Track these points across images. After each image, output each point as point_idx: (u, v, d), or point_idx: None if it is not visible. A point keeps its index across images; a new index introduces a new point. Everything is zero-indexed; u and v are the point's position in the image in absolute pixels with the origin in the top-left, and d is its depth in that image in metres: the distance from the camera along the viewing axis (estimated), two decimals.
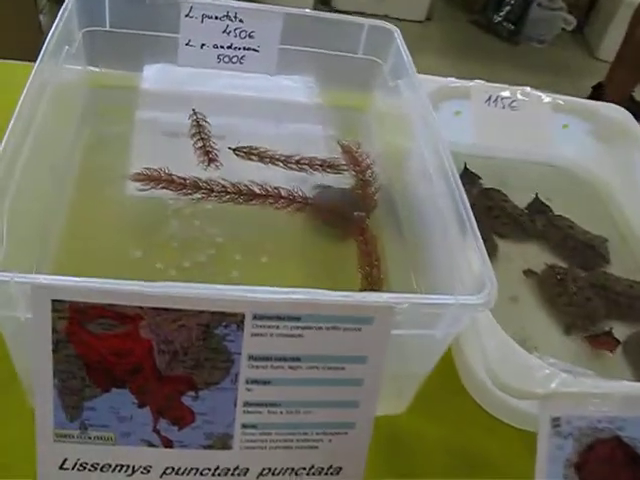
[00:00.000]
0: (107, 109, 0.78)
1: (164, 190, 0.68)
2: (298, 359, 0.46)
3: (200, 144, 0.74)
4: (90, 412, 0.45)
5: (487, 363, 0.55)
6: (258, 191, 0.69)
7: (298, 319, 0.45)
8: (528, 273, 0.75)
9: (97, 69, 0.78)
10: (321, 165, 0.73)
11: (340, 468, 0.50)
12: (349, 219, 0.70)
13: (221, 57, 0.75)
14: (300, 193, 0.70)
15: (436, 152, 0.66)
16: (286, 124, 0.83)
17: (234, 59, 0.76)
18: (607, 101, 2.41)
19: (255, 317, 0.44)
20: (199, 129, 0.75)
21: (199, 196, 0.68)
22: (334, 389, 0.48)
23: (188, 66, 0.76)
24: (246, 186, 0.69)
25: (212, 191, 0.68)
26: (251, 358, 0.46)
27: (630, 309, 0.73)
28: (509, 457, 0.60)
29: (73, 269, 0.62)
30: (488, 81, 0.84)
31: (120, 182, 0.70)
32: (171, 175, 0.68)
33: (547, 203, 0.83)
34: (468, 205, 0.58)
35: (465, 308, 0.48)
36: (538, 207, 0.83)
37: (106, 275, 0.63)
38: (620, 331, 0.71)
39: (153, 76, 0.83)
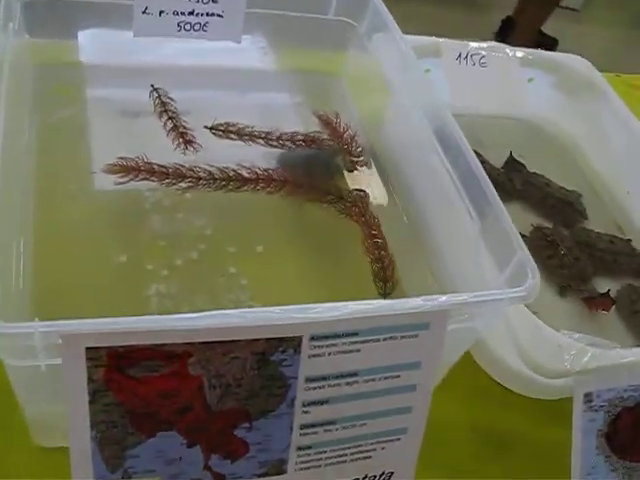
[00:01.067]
0: (56, 89, 0.69)
1: (142, 181, 0.61)
2: (355, 374, 0.43)
3: (171, 124, 0.66)
4: (134, 460, 0.40)
5: (518, 345, 0.54)
6: (248, 175, 0.63)
7: (356, 334, 0.42)
8: None
9: (39, 40, 0.68)
10: (304, 140, 0.68)
11: (392, 473, 0.48)
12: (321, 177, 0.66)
13: (182, 25, 0.68)
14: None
15: (435, 115, 0.63)
16: (251, 93, 0.77)
17: (196, 26, 0.68)
18: (516, 35, 2.45)
19: (313, 338, 0.40)
20: (164, 107, 0.68)
21: (184, 186, 0.62)
22: (389, 398, 0.45)
23: (145, 36, 0.67)
24: (234, 171, 0.63)
25: (199, 179, 0.62)
26: (308, 380, 0.42)
27: (615, 264, 0.74)
28: (536, 430, 0.60)
29: (53, 288, 0.55)
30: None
31: (86, 176, 0.62)
32: (151, 164, 0.61)
33: (521, 161, 0.82)
34: (487, 180, 0.56)
35: (512, 301, 0.46)
36: (514, 166, 0.82)
37: (94, 285, 0.57)
38: (607, 287, 0.72)
39: (92, 45, 0.74)
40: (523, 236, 0.72)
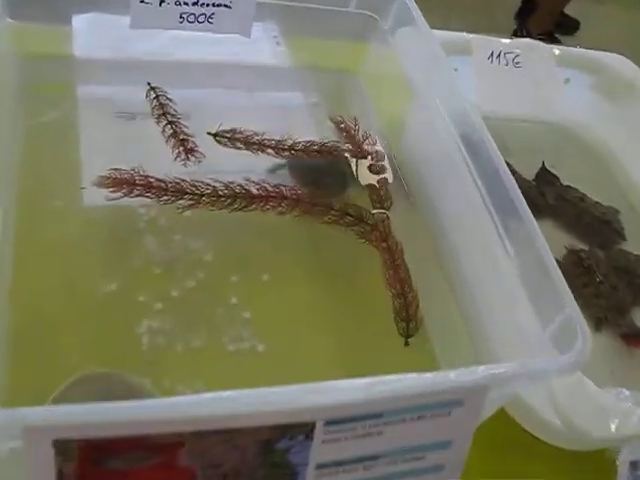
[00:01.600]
0: (42, 85, 0.61)
1: (138, 197, 0.54)
2: (375, 458, 0.37)
3: (170, 130, 0.59)
4: None
5: (555, 402, 0.47)
6: (256, 192, 0.56)
7: (380, 416, 0.35)
8: None
9: (24, 24, 0.61)
10: (319, 151, 0.61)
11: None
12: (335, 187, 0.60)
13: (185, 16, 0.60)
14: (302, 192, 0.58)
15: (463, 120, 0.56)
16: (261, 92, 0.69)
17: (201, 18, 0.60)
18: (537, 16, 2.35)
19: (328, 423, 0.34)
20: (162, 109, 0.61)
21: (185, 204, 0.55)
22: None
23: (143, 28, 0.60)
24: (241, 187, 0.56)
25: (201, 196, 0.55)
26: (320, 467, 0.36)
27: None
28: None
29: (32, 320, 0.49)
30: None
31: (74, 190, 0.55)
32: (147, 177, 0.54)
33: (553, 171, 0.75)
34: (526, 208, 0.49)
35: (561, 371, 0.40)
36: (546, 178, 0.75)
37: (78, 320, 0.50)
38: None
39: (85, 33, 0.66)
40: (556, 261, 0.67)
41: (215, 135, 0.60)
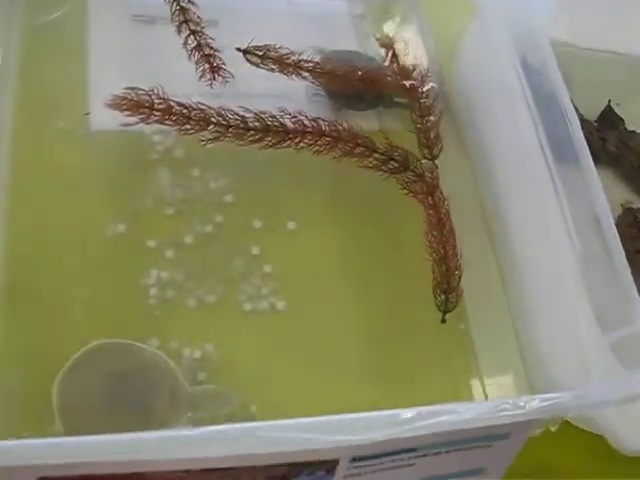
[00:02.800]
0: None
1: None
2: None
3: (193, 42, 0.51)
4: None
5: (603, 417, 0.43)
6: (292, 126, 0.48)
7: (413, 450, 0.31)
8: None
9: None
10: (362, 79, 0.53)
11: None
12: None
13: None
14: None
15: (528, 46, 0.49)
16: None
17: None
18: None
19: (354, 459, 0.30)
20: (184, 15, 0.52)
21: (209, 136, 0.48)
22: None
23: None
24: (274, 118, 0.48)
25: (228, 127, 0.48)
26: None
27: None
28: None
29: (28, 259, 0.44)
30: None
31: (79, 108, 0.49)
32: (168, 101, 0.47)
33: (619, 112, 0.67)
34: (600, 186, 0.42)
35: (625, 400, 0.35)
36: (610, 119, 0.66)
37: (78, 265, 0.45)
38: None
39: None
40: None
41: (245, 52, 0.51)
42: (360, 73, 0.53)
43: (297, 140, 0.49)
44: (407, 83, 0.53)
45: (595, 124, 0.66)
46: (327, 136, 0.49)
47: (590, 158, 0.46)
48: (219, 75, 0.51)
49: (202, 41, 0.51)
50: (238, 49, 0.52)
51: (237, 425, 0.28)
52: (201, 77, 0.50)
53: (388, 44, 0.56)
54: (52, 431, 0.37)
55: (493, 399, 0.32)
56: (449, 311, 0.46)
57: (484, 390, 0.45)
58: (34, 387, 0.39)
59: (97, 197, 0.47)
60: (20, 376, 0.39)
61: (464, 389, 0.45)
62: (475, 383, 0.46)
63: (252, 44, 0.52)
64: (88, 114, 0.48)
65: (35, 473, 0.26)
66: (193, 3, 0.53)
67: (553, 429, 0.35)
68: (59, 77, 0.49)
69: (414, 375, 0.46)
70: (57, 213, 0.45)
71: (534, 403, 0.31)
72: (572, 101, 0.65)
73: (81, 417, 0.39)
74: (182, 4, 0.52)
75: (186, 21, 0.52)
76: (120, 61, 0.51)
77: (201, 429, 0.27)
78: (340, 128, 0.50)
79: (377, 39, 0.56)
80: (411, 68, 0.54)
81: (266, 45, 0.52)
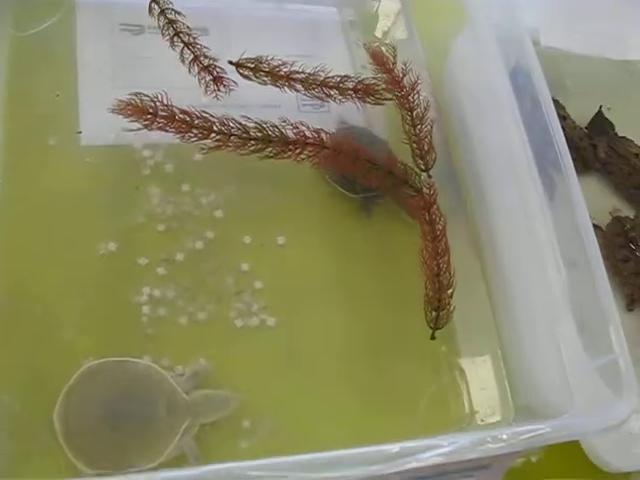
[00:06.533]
0: None
1: (155, 132, 0.47)
2: None
3: (189, 55, 0.50)
4: None
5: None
6: (294, 137, 0.48)
7: None
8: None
9: None
10: (354, 90, 0.53)
11: None
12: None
13: None
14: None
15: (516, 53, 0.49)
16: (289, 4, 0.59)
17: None
18: None
19: None
20: (174, 28, 0.51)
21: (211, 144, 0.47)
22: None
23: None
24: (276, 127, 0.48)
25: (230, 136, 0.47)
26: None
27: None
28: None
29: (15, 285, 0.44)
30: None
31: (70, 123, 0.49)
32: (171, 107, 0.47)
33: (609, 117, 0.67)
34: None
35: (603, 431, 0.36)
36: (601, 125, 0.66)
37: (68, 286, 0.45)
38: None
39: None
40: (597, 227, 0.61)
41: (237, 65, 0.51)
42: (352, 83, 0.53)
43: (298, 151, 0.49)
44: (398, 92, 0.53)
45: (585, 130, 0.66)
46: (328, 148, 0.50)
47: (572, 166, 0.47)
48: (222, 85, 0.51)
49: (197, 52, 0.51)
50: (230, 62, 0.52)
51: (230, 465, 0.28)
52: (207, 90, 0.50)
53: (376, 52, 0.55)
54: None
55: (475, 432, 0.33)
56: (439, 328, 0.47)
57: (470, 406, 0.46)
58: (33, 415, 0.40)
59: (88, 215, 0.47)
60: (17, 402, 0.40)
61: (450, 406, 0.46)
62: (461, 402, 0.47)
63: (244, 55, 0.52)
64: (80, 132, 0.48)
65: None
66: (179, 13, 0.52)
67: (534, 459, 0.36)
68: (48, 92, 0.49)
69: (401, 390, 0.47)
70: (48, 232, 0.46)
71: (514, 435, 0.32)
72: (564, 107, 0.65)
73: (84, 439, 0.40)
74: (169, 16, 0.52)
75: (177, 34, 0.51)
76: (109, 73, 0.51)
77: (192, 469, 0.28)
78: (341, 140, 0.50)
79: (365, 47, 0.56)
80: (401, 76, 0.54)
81: (258, 57, 0.52)
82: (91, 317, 0.44)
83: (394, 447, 0.30)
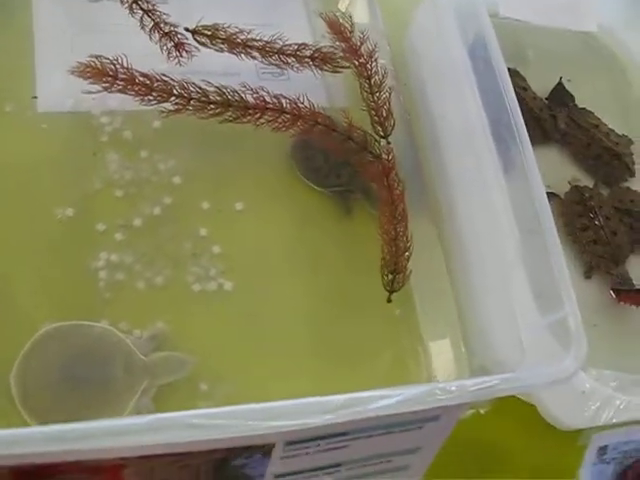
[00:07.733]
0: None
1: (116, 94, 0.46)
2: (338, 465, 0.35)
3: (149, 22, 0.50)
4: None
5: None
6: (253, 101, 0.49)
7: (344, 434, 0.32)
8: (550, 196, 0.62)
9: None
10: (312, 58, 0.53)
11: None
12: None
13: None
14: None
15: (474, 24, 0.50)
16: None
17: None
18: None
19: (289, 443, 0.31)
20: None
21: (170, 107, 0.47)
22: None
23: None
24: (235, 92, 0.48)
25: (190, 99, 0.47)
26: (278, 476, 0.33)
27: None
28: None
29: None
30: None
31: (26, 90, 0.48)
32: (131, 71, 0.47)
33: (570, 88, 0.68)
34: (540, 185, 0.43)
35: (552, 384, 0.37)
36: (561, 96, 0.67)
37: (27, 249, 0.45)
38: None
39: None
40: (556, 196, 0.62)
41: (194, 32, 0.51)
42: (310, 52, 0.53)
43: (257, 116, 0.49)
44: (355, 60, 0.54)
45: (546, 101, 0.67)
46: (288, 113, 0.50)
47: (527, 137, 0.47)
48: (185, 51, 0.50)
49: (157, 19, 0.51)
50: (187, 29, 0.51)
51: (173, 414, 0.29)
52: (169, 56, 0.50)
53: (333, 21, 0.55)
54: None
55: (424, 384, 0.33)
56: (395, 291, 0.47)
57: (427, 367, 0.47)
58: None
59: (45, 181, 0.47)
60: None
61: (409, 367, 0.47)
62: (418, 360, 0.47)
63: (201, 23, 0.52)
64: (35, 97, 0.47)
65: None
66: None
67: (482, 411, 0.37)
68: (3, 58, 0.49)
69: (360, 352, 0.47)
70: (4, 199, 0.45)
71: (463, 387, 0.33)
72: (524, 79, 0.66)
73: (43, 402, 0.40)
74: None
75: (136, 1, 0.51)
76: (67, 39, 0.51)
77: (136, 418, 0.28)
78: (301, 106, 0.50)
79: (321, 16, 0.56)
80: (358, 44, 0.54)
81: (215, 24, 0.52)
82: (49, 282, 0.44)
83: (340, 398, 0.31)
